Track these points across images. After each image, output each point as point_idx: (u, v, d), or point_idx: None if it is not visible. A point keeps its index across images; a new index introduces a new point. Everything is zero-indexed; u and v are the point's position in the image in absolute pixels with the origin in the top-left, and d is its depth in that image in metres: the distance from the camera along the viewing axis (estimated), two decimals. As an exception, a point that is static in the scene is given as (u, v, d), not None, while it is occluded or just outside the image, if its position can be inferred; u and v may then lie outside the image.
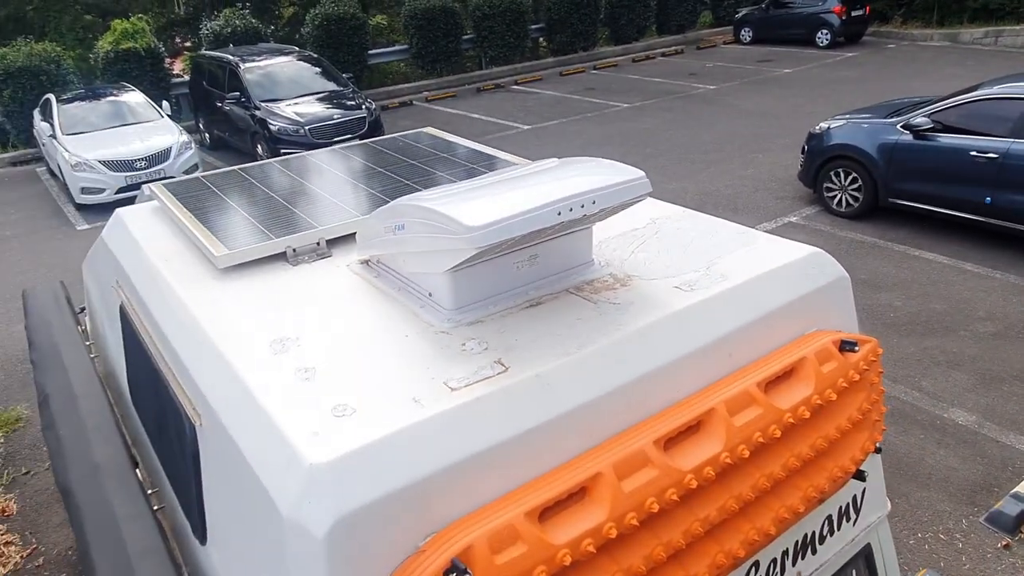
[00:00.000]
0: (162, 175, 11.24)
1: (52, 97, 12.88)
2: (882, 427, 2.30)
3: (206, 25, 18.37)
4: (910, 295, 7.20)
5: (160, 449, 2.73)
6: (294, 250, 2.68)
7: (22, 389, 6.59)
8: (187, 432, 2.19)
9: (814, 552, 2.43)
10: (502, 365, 1.92)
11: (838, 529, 2.50)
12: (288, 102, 12.79)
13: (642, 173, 2.18)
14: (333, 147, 3.94)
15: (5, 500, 5.20)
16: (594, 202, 2.03)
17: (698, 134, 13.16)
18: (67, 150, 11.39)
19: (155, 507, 2.45)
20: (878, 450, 2.36)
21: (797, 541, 2.36)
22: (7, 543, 4.80)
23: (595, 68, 20.53)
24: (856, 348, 2.21)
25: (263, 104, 12.71)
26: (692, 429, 1.92)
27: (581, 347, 1.99)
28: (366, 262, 2.58)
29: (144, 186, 3.47)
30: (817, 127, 9.38)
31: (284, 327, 2.20)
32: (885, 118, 8.76)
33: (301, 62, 14.21)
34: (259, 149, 12.71)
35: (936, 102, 8.40)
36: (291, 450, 1.66)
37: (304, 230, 2.77)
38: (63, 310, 3.86)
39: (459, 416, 1.74)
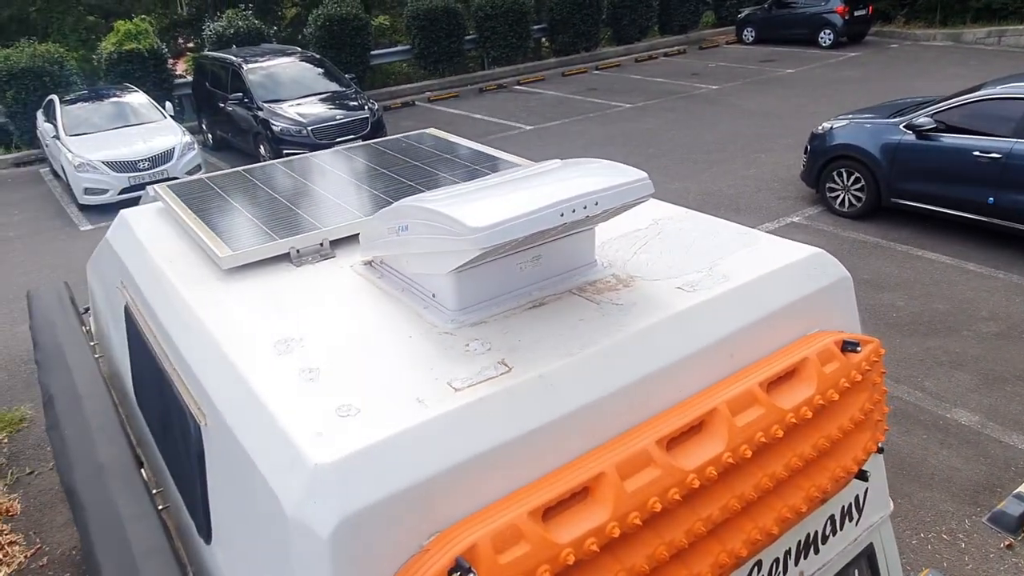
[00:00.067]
0: (165, 176, 11.26)
1: (55, 98, 12.92)
2: (884, 427, 2.30)
3: (209, 26, 18.40)
4: (913, 295, 7.19)
5: (165, 449, 2.74)
6: (298, 251, 2.70)
7: (26, 389, 6.61)
8: (192, 432, 2.20)
9: (816, 552, 2.43)
10: (505, 366, 1.93)
11: (841, 529, 2.50)
12: (291, 103, 12.81)
13: (645, 174, 2.19)
14: (336, 148, 3.95)
15: (9, 500, 5.21)
16: (597, 203, 2.04)
17: (700, 134, 13.17)
18: (70, 151, 11.42)
19: (160, 507, 2.46)
20: (880, 450, 2.36)
21: (800, 541, 2.37)
22: (11, 543, 4.82)
23: (597, 68, 20.53)
24: (858, 348, 2.21)
25: (266, 105, 12.73)
26: (695, 429, 1.93)
27: (584, 348, 2.00)
28: (369, 263, 2.59)
29: (148, 187, 3.48)
30: (820, 127, 9.38)
31: (288, 328, 2.22)
32: (888, 118, 8.76)
33: (304, 63, 14.23)
34: (262, 150, 12.73)
35: (939, 102, 8.40)
36: (296, 450, 1.67)
37: (308, 231, 2.78)
38: (67, 310, 3.87)
39: (463, 416, 1.75)
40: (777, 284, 2.34)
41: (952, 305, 6.97)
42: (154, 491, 2.59)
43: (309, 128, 12.25)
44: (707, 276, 2.37)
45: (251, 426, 1.85)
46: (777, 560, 2.31)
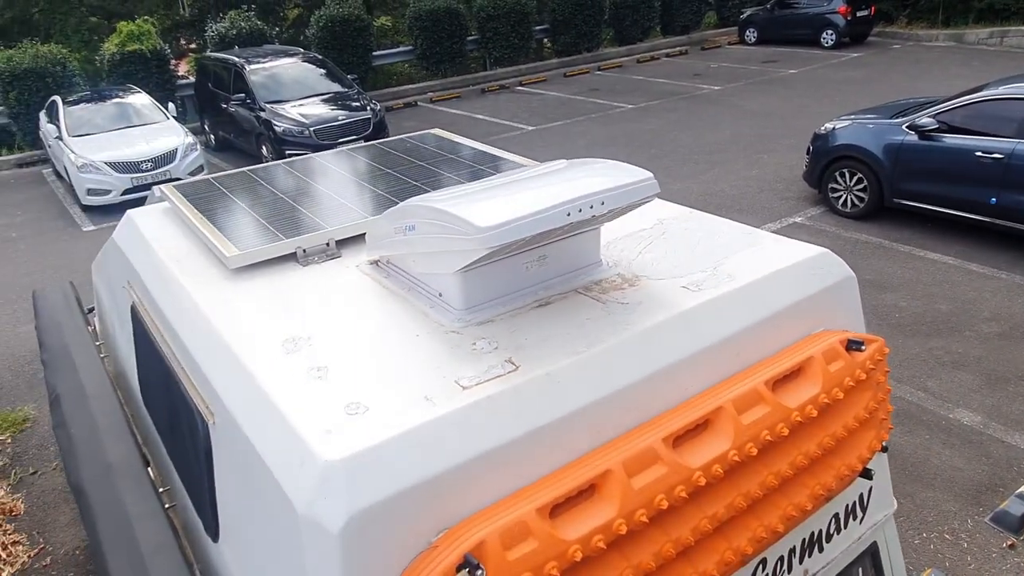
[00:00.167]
0: (168, 176, 11.29)
1: (58, 99, 12.95)
2: (889, 426, 2.31)
3: (211, 27, 18.43)
4: (915, 295, 7.20)
5: (172, 447, 2.76)
6: (304, 251, 2.71)
7: (29, 390, 6.62)
8: (200, 430, 2.21)
9: (821, 550, 2.44)
10: (512, 364, 1.95)
11: (845, 527, 2.51)
12: (293, 103, 12.82)
13: (650, 174, 2.20)
14: (340, 148, 3.97)
15: (13, 500, 5.22)
16: (603, 203, 2.05)
17: (703, 135, 13.17)
18: (73, 152, 11.44)
19: (166, 505, 2.47)
20: (884, 449, 2.37)
21: (804, 539, 2.38)
22: (15, 543, 4.83)
23: (599, 69, 20.54)
24: (863, 347, 2.22)
25: (268, 105, 12.74)
26: (701, 427, 1.94)
27: (590, 346, 2.01)
28: (375, 263, 2.60)
29: (154, 187, 3.49)
30: (822, 127, 9.38)
31: (296, 326, 2.23)
32: (890, 118, 8.76)
33: (306, 63, 14.24)
34: (264, 150, 12.75)
35: (941, 102, 8.40)
36: (305, 447, 1.68)
37: (314, 231, 2.79)
38: (73, 310, 3.89)
39: (471, 414, 1.77)
40: (782, 283, 2.35)
41: (954, 305, 6.97)
42: (161, 490, 2.60)
43: (311, 129, 12.27)
44: (712, 275, 2.38)
45: (260, 424, 1.86)
46: (782, 558, 2.32)
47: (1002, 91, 7.86)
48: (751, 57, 20.24)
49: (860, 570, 2.63)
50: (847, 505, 2.51)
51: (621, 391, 1.94)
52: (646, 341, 2.06)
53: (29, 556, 4.71)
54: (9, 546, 4.79)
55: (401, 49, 20.31)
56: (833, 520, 2.47)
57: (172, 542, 2.23)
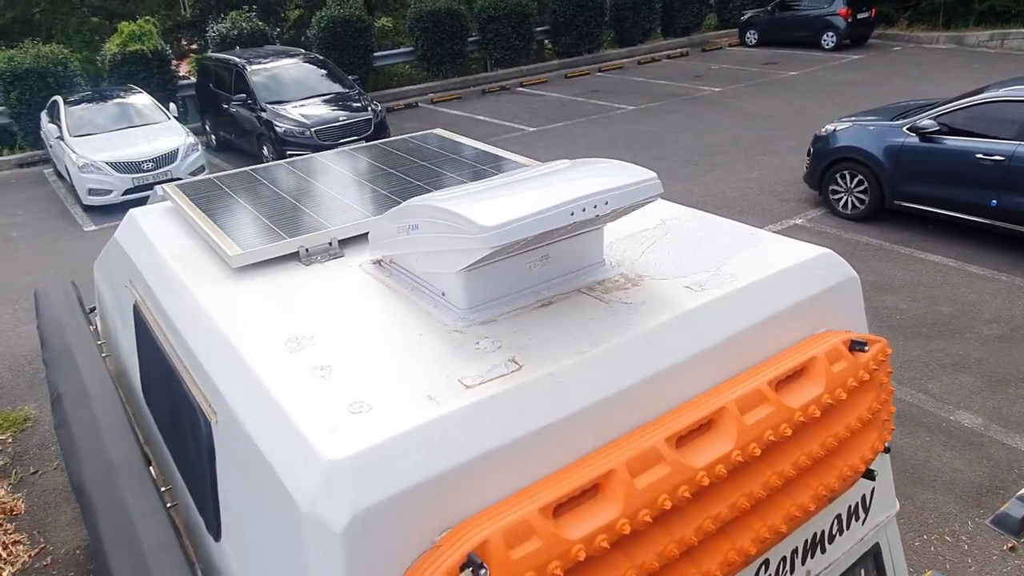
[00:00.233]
0: (169, 177, 11.30)
1: (59, 99, 12.96)
2: (891, 426, 2.31)
3: (212, 27, 18.44)
4: (916, 297, 7.20)
5: (174, 447, 2.75)
6: (307, 250, 2.71)
7: (30, 389, 6.62)
8: (202, 429, 2.21)
9: (823, 551, 2.44)
10: (516, 363, 1.95)
11: (847, 528, 2.51)
12: (294, 104, 12.83)
13: (653, 174, 2.20)
14: (343, 148, 3.97)
15: (13, 499, 5.22)
16: (607, 203, 2.05)
17: (703, 136, 13.18)
18: (74, 152, 11.45)
19: (168, 505, 2.47)
20: (887, 449, 2.37)
21: (807, 540, 2.37)
22: (15, 542, 4.83)
23: (600, 70, 20.55)
24: (866, 348, 2.22)
25: (269, 106, 12.75)
26: (704, 427, 1.94)
27: (594, 346, 2.01)
28: (378, 262, 2.61)
29: (157, 187, 3.49)
30: (823, 129, 9.38)
31: (299, 326, 2.23)
32: (891, 120, 8.76)
33: (307, 64, 14.25)
34: (265, 151, 12.75)
35: (942, 105, 8.40)
36: (309, 446, 1.68)
37: (316, 230, 2.79)
38: (75, 310, 3.89)
39: (474, 413, 1.76)
40: (785, 284, 2.35)
41: (955, 307, 6.97)
42: (162, 489, 2.60)
43: (312, 129, 12.28)
44: (715, 275, 2.38)
45: (263, 423, 1.86)
46: (784, 559, 2.32)
47: (1003, 93, 7.87)
48: (752, 59, 20.25)
49: (862, 571, 2.62)
50: (849, 506, 2.51)
51: (624, 391, 1.94)
52: (649, 341, 2.06)
53: (30, 555, 4.71)
54: (10, 545, 4.79)
55: (402, 50, 20.32)
56: (835, 521, 2.46)
57: (174, 541, 2.23)
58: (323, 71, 14.16)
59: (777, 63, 19.33)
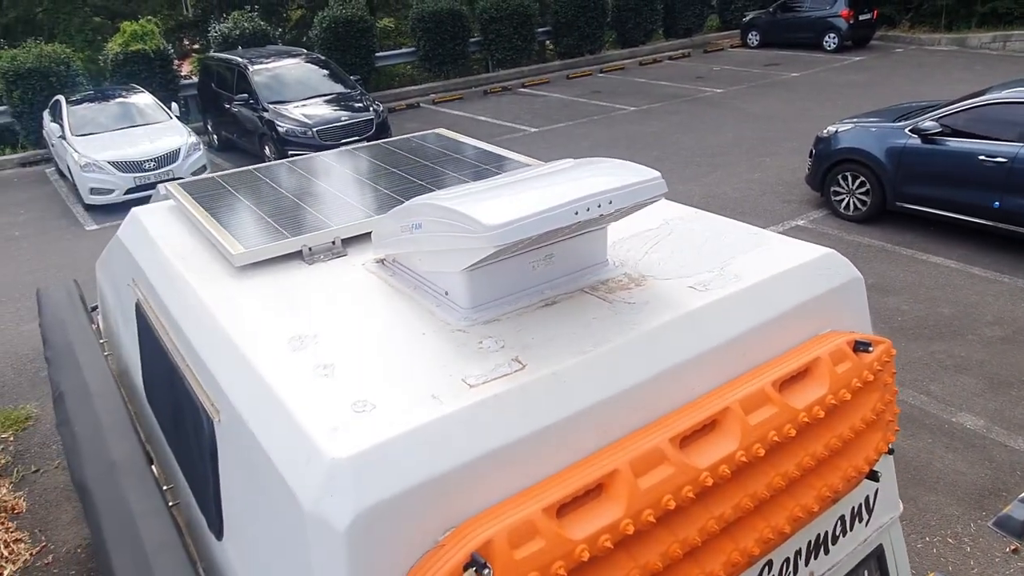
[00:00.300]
0: (171, 176, 11.30)
1: (62, 98, 12.97)
2: (895, 428, 2.31)
3: (215, 27, 18.44)
4: (918, 299, 7.19)
5: (176, 445, 2.75)
6: (310, 249, 2.70)
7: (32, 388, 6.62)
8: (205, 428, 2.21)
9: (827, 552, 2.43)
10: (519, 363, 1.94)
11: (851, 529, 2.51)
12: (296, 104, 12.84)
13: (657, 173, 2.19)
14: (345, 148, 3.96)
15: (15, 498, 5.22)
16: (611, 202, 2.05)
17: (705, 137, 13.17)
18: (76, 151, 11.45)
19: (170, 503, 2.47)
20: (891, 451, 2.37)
21: (810, 541, 2.37)
22: (16, 540, 4.82)
23: (602, 71, 20.55)
24: (870, 349, 2.22)
25: (271, 106, 12.76)
26: (708, 427, 1.93)
27: (597, 346, 2.01)
28: (381, 261, 2.60)
29: (159, 185, 3.49)
30: (825, 131, 9.37)
31: (302, 324, 2.22)
32: (893, 122, 8.76)
33: (309, 64, 14.26)
34: (267, 151, 12.76)
35: (944, 106, 8.40)
36: (312, 445, 1.68)
37: (319, 229, 2.79)
38: (77, 308, 3.89)
39: (478, 413, 1.76)
40: (789, 284, 2.35)
41: (957, 309, 6.96)
42: (164, 488, 2.60)
43: (314, 129, 12.28)
44: (719, 276, 2.37)
45: (266, 421, 1.85)
46: (788, 560, 2.31)
47: (1005, 95, 7.86)
48: (753, 60, 20.24)
49: (866, 573, 2.62)
50: (853, 507, 2.50)
51: (628, 391, 1.93)
52: (653, 341, 2.06)
53: (31, 554, 4.71)
54: (11, 544, 4.79)
55: (404, 50, 20.32)
56: (839, 522, 2.46)
57: (176, 540, 2.23)
58: (325, 71, 14.16)
59: (779, 64, 19.33)
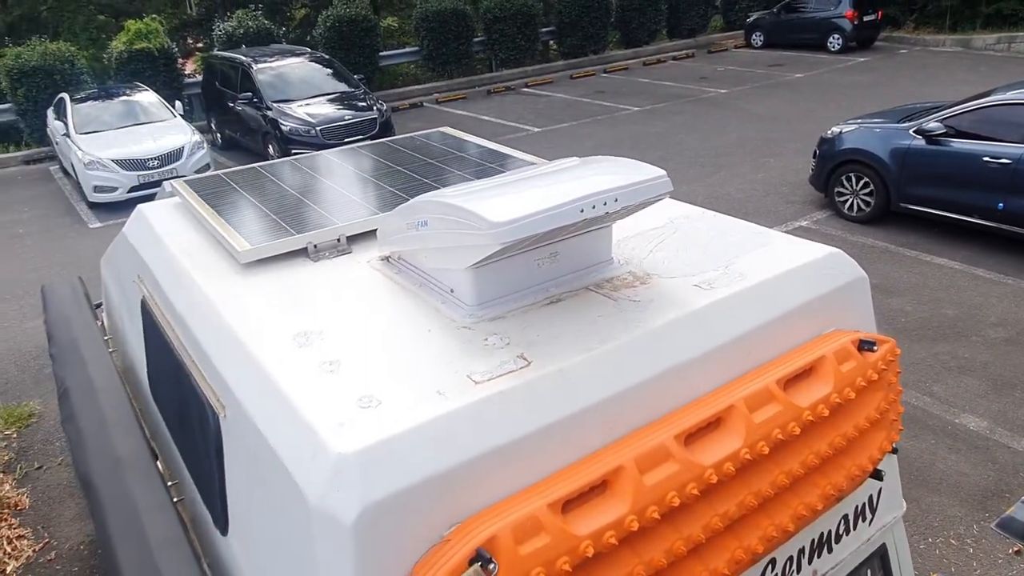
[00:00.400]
0: (174, 174, 11.32)
1: (66, 96, 12.98)
2: (899, 427, 2.31)
3: (219, 26, 18.46)
4: (921, 300, 7.19)
5: (181, 441, 2.76)
6: (315, 246, 2.71)
7: (35, 385, 6.64)
8: (211, 423, 2.22)
9: (830, 551, 2.43)
10: (525, 360, 1.94)
11: (854, 528, 2.51)
12: (300, 103, 12.86)
13: (663, 172, 2.20)
14: (350, 146, 3.97)
15: (18, 494, 5.23)
16: (616, 200, 2.05)
17: (709, 138, 13.17)
18: (80, 149, 11.48)
19: (174, 499, 2.47)
20: (895, 450, 2.37)
21: (813, 539, 2.37)
22: (19, 537, 4.84)
23: (605, 71, 20.55)
24: (875, 348, 2.22)
25: (275, 104, 12.77)
26: (712, 425, 1.94)
27: (602, 343, 2.01)
28: (386, 259, 2.61)
29: (165, 183, 3.50)
30: (829, 131, 9.37)
31: (307, 321, 2.23)
32: (897, 123, 8.75)
33: (313, 63, 14.28)
34: (270, 149, 12.77)
35: (949, 107, 8.39)
36: (318, 440, 1.68)
37: (325, 227, 2.80)
38: (81, 305, 3.89)
39: (483, 409, 1.76)
40: (794, 283, 2.35)
41: (961, 310, 6.96)
42: (169, 484, 2.61)
43: (318, 128, 12.30)
44: (724, 274, 2.37)
45: (272, 417, 1.86)
46: (791, 558, 2.31)
47: (1010, 96, 7.85)
48: (757, 61, 20.23)
49: (869, 572, 2.62)
50: (856, 506, 2.50)
51: (633, 388, 1.94)
52: (658, 339, 2.06)
53: (34, 550, 4.72)
54: (14, 540, 4.80)
55: (407, 50, 20.34)
56: (842, 521, 2.46)
57: (181, 535, 2.23)
58: (329, 70, 14.18)
59: (783, 65, 19.32)
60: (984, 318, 6.80)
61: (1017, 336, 6.46)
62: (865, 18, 20.14)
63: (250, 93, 13.23)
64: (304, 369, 1.96)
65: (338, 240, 2.75)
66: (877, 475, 2.29)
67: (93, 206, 11.52)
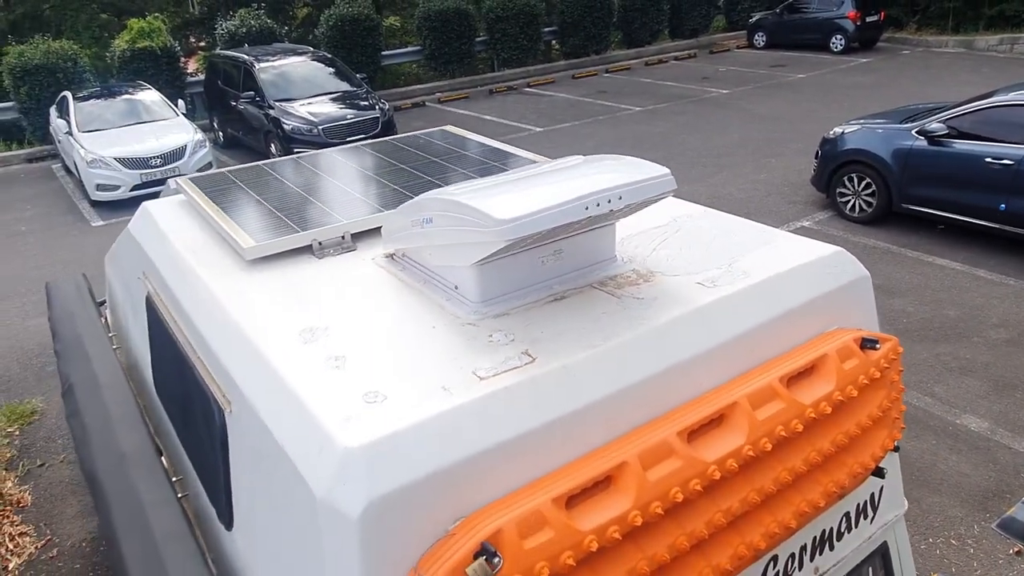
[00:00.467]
0: (176, 173, 11.33)
1: (69, 95, 13.00)
2: (901, 425, 2.32)
3: (221, 25, 18.49)
4: (923, 301, 7.19)
5: (185, 437, 2.77)
6: (320, 243, 2.72)
7: (37, 383, 6.65)
8: (216, 419, 2.23)
9: (832, 548, 2.44)
10: (529, 356, 1.95)
11: (856, 526, 2.51)
12: (302, 102, 12.87)
13: (667, 170, 2.20)
14: (353, 144, 3.98)
15: (20, 491, 5.24)
16: (620, 198, 2.06)
17: (711, 138, 13.17)
18: (83, 147, 11.50)
19: (178, 495, 2.48)
20: (896, 448, 2.38)
21: (815, 537, 2.38)
22: (22, 534, 4.85)
23: (607, 71, 20.55)
24: (877, 346, 2.23)
25: (277, 103, 12.79)
26: (715, 422, 1.94)
27: (606, 340, 2.02)
28: (391, 256, 2.62)
29: (170, 180, 3.51)
30: (831, 132, 9.37)
31: (313, 317, 2.24)
32: (900, 124, 8.75)
33: (315, 62, 14.30)
34: (272, 148, 12.79)
35: (951, 108, 8.39)
36: (324, 434, 1.69)
37: (329, 224, 2.81)
38: (86, 302, 3.91)
39: (488, 405, 1.77)
40: (797, 281, 2.36)
41: (962, 311, 6.96)
42: (173, 479, 2.62)
43: (320, 127, 12.31)
44: (727, 272, 2.38)
45: (279, 412, 1.87)
46: (793, 555, 2.32)
47: (1012, 97, 7.86)
48: (760, 61, 20.23)
49: (870, 570, 2.63)
50: (858, 504, 2.51)
51: (637, 385, 1.95)
52: (662, 336, 2.07)
53: (36, 547, 4.73)
54: (16, 537, 4.81)
55: (410, 49, 20.36)
56: (844, 519, 2.47)
57: (185, 529, 2.24)
58: (331, 69, 14.19)
59: (785, 65, 19.32)
60: (985, 319, 6.80)
61: (1018, 337, 6.46)
62: (868, 19, 20.15)
63: (252, 92, 13.24)
64: (310, 365, 1.97)
65: (343, 237, 2.76)
66: (879, 473, 2.30)
67: (95, 204, 11.54)
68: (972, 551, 4.35)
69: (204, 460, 2.49)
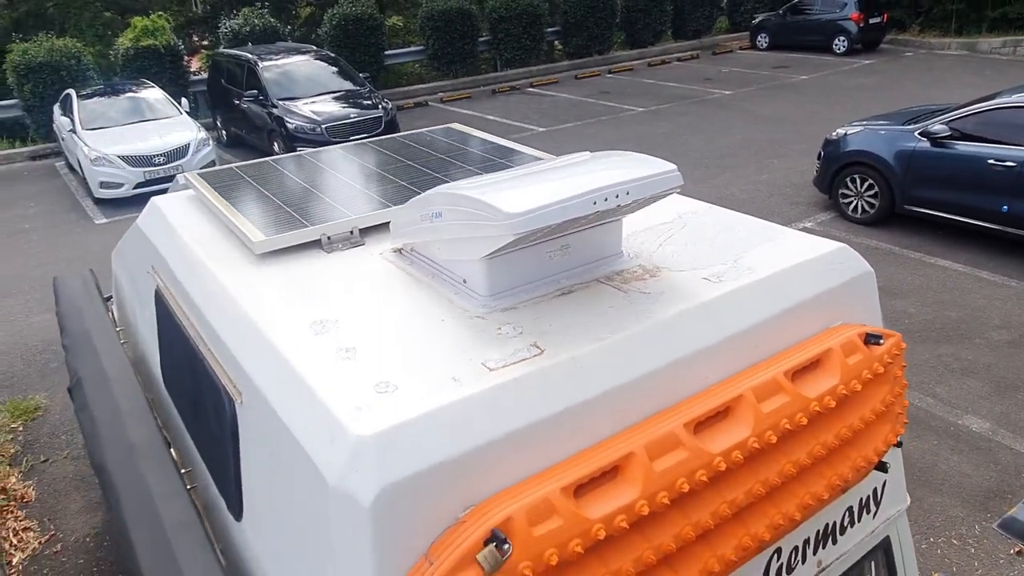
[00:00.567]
0: (180, 171, 11.33)
1: (72, 92, 13.03)
2: (904, 420, 2.34)
3: (225, 24, 18.53)
4: (925, 302, 7.21)
5: (194, 429, 2.79)
6: (328, 238, 2.74)
7: (41, 379, 6.67)
8: (227, 410, 2.25)
9: (835, 542, 2.46)
10: (538, 348, 1.98)
11: (858, 520, 2.53)
12: (305, 101, 12.89)
13: (674, 166, 2.23)
14: (360, 141, 4.00)
15: (24, 487, 5.26)
16: (628, 193, 2.08)
17: (713, 139, 13.19)
18: (87, 145, 11.52)
19: (188, 486, 2.50)
20: (899, 443, 2.40)
21: (818, 530, 2.40)
22: (25, 529, 4.86)
23: (610, 72, 20.58)
24: (881, 341, 2.25)
25: (280, 102, 12.81)
26: (721, 414, 1.97)
27: (614, 333, 2.04)
28: (399, 250, 2.64)
29: (178, 176, 3.54)
30: (834, 133, 9.39)
31: (323, 310, 2.26)
32: (902, 125, 8.77)
33: (318, 61, 14.32)
34: (275, 147, 12.81)
35: (954, 110, 8.41)
36: (337, 423, 1.71)
37: (337, 219, 2.83)
38: (93, 297, 3.93)
39: (498, 395, 1.80)
40: (802, 277, 2.38)
41: (964, 312, 6.98)
42: (182, 471, 2.64)
43: (323, 126, 12.33)
44: (732, 268, 2.40)
45: (291, 402, 1.89)
46: (796, 548, 2.34)
47: (1015, 99, 7.87)
48: (762, 62, 20.25)
49: (872, 564, 2.65)
50: (861, 498, 2.53)
51: (644, 377, 1.97)
52: (668, 330, 2.09)
53: (40, 542, 4.74)
54: (20, 532, 4.83)
55: (413, 49, 20.37)
56: (847, 513, 2.49)
57: (195, 519, 2.26)
58: (334, 68, 14.22)
59: (788, 67, 19.34)
60: (987, 320, 6.82)
61: (1020, 338, 6.48)
62: (871, 20, 20.17)
63: (256, 91, 13.27)
64: (321, 356, 2.00)
65: (351, 232, 2.79)
66: (882, 467, 2.32)
67: (99, 202, 11.57)
68: (973, 551, 4.37)
69: (214, 451, 2.51)
